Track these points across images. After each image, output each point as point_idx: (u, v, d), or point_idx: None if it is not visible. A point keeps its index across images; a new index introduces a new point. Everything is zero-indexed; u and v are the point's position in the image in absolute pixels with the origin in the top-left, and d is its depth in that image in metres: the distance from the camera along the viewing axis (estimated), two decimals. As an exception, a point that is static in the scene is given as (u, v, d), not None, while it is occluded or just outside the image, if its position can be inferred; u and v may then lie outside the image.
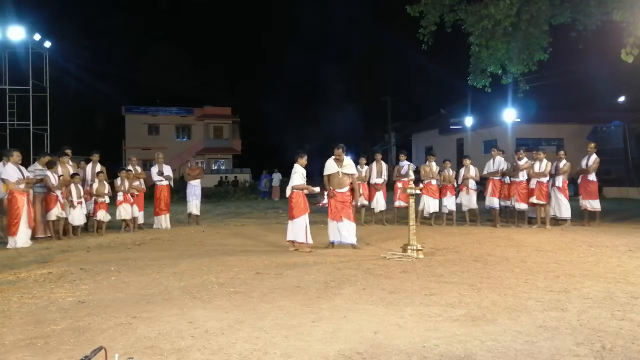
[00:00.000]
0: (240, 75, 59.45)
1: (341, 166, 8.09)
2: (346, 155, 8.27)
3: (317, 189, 8.35)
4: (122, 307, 4.49)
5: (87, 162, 10.90)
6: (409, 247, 7.15)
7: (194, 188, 11.81)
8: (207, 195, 25.66)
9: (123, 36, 52.32)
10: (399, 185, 11.45)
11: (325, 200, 17.10)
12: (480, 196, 11.82)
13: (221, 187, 31.47)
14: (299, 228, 7.93)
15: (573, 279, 5.52)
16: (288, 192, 8.15)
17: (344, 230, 8.01)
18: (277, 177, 25.51)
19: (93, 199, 10.27)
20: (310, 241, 7.96)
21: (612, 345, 3.39)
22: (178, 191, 12.43)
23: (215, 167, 44.70)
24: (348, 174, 8.13)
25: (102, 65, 45.76)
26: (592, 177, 11.06)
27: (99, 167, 10.64)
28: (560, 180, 10.83)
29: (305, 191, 8.18)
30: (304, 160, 8.24)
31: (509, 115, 25.33)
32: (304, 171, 8.16)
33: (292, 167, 8.26)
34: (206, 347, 3.42)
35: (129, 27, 59.75)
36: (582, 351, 3.28)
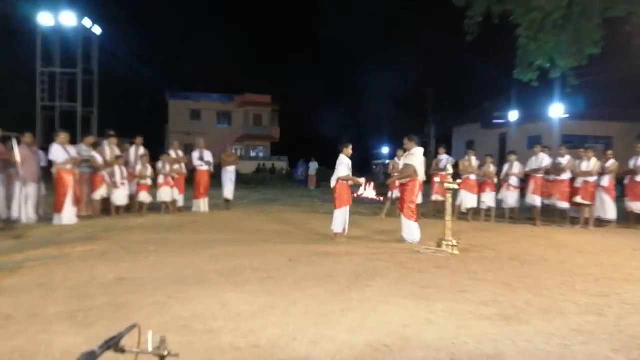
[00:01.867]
0: (282, 64, 59.75)
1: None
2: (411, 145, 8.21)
3: (362, 180, 8.34)
4: (159, 287, 4.64)
5: (132, 144, 11.23)
6: (444, 242, 7.06)
7: (230, 174, 12.01)
8: (245, 182, 26.06)
9: (170, 23, 53.39)
10: (436, 179, 11.29)
11: (361, 191, 17.07)
12: (522, 193, 11.52)
13: (259, 173, 31.85)
14: (338, 219, 7.96)
15: (614, 283, 5.33)
16: (333, 183, 8.15)
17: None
18: (313, 165, 25.60)
19: (136, 180, 10.59)
20: (346, 232, 7.98)
21: (651, 353, 3.28)
22: (217, 176, 12.65)
23: (254, 154, 45.21)
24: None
25: (148, 51, 46.85)
26: (640, 178, 10.59)
27: (142, 150, 10.95)
28: (607, 180, 10.43)
29: (351, 182, 8.18)
30: (349, 150, 8.21)
31: (556, 110, 24.49)
32: (349, 162, 8.15)
33: (330, 157, 8.28)
34: (237, 329, 3.51)
35: (176, 13, 60.88)
36: (618, 358, 3.18)
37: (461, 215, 11.34)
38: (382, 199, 13.54)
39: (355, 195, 19.01)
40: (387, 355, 3.12)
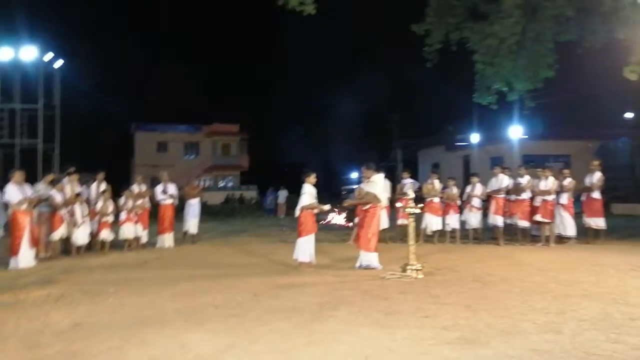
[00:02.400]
0: (249, 93, 59.98)
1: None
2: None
3: (327, 207, 8.36)
4: (117, 331, 4.51)
5: (93, 180, 11.00)
6: (409, 267, 7.11)
7: (193, 207, 11.88)
8: (214, 213, 25.74)
9: (134, 55, 53.14)
10: (398, 204, 11.43)
11: (329, 218, 17.05)
12: (485, 214, 11.76)
13: (228, 204, 31.57)
14: (304, 247, 7.94)
15: (571, 299, 5.46)
16: (297, 212, 8.15)
17: None
18: (282, 194, 25.57)
19: (97, 218, 10.35)
20: (313, 261, 7.96)
21: (604, 370, 3.35)
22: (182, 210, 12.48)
23: (223, 184, 44.86)
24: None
25: (113, 84, 46.41)
26: (596, 194, 10.96)
27: (103, 186, 10.74)
28: (565, 198, 10.75)
29: (316, 210, 8.19)
30: (312, 178, 8.23)
31: (515, 132, 25.32)
32: (313, 190, 8.17)
33: (298, 185, 8.29)
34: (194, 371, 3.43)
35: (140, 46, 60.72)
36: (573, 377, 3.24)
37: (427, 237, 11.47)
38: (350, 224, 13.59)
39: (324, 222, 19.00)
40: (346, 389, 3.10)
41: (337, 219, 18.32)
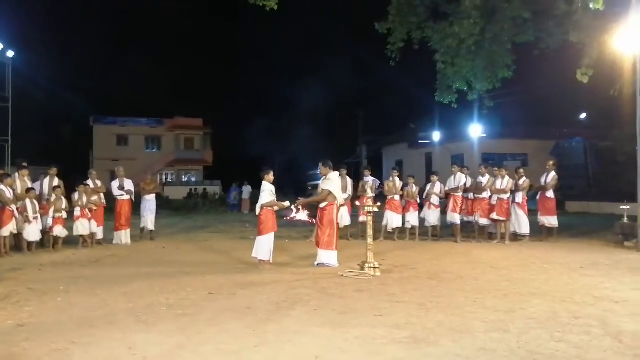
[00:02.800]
0: (213, 87, 59.18)
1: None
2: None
3: (286, 204, 8.30)
4: (63, 331, 4.37)
5: (45, 175, 10.63)
6: (367, 265, 7.17)
7: (149, 203, 11.63)
8: (176, 208, 25.33)
9: (92, 46, 51.60)
10: (357, 203, 11.51)
11: (294, 214, 16.96)
12: (443, 211, 11.97)
13: (190, 199, 31.08)
14: (264, 245, 7.88)
15: (521, 298, 5.62)
16: (258, 210, 8.08)
17: None
18: (247, 189, 25.30)
19: (50, 214, 10.00)
20: (270, 259, 7.91)
21: (546, 368, 3.46)
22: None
23: (186, 179, 44.16)
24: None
25: (70, 75, 44.91)
26: (550, 194, 11.32)
27: (56, 181, 10.39)
28: (520, 197, 11.05)
29: (276, 208, 8.14)
30: (270, 176, 8.18)
31: (475, 130, 25.88)
32: (272, 187, 8.11)
33: (260, 181, 8.21)
34: (140, 375, 3.35)
35: (99, 37, 58.96)
36: (516, 375, 3.33)
37: (388, 234, 11.60)
38: (314, 221, 13.58)
39: (287, 218, 18.94)
40: (293, 391, 3.09)
41: (301, 215, 18.30)
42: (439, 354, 3.75)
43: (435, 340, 4.08)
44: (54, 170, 10.48)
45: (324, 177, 8.23)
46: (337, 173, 8.30)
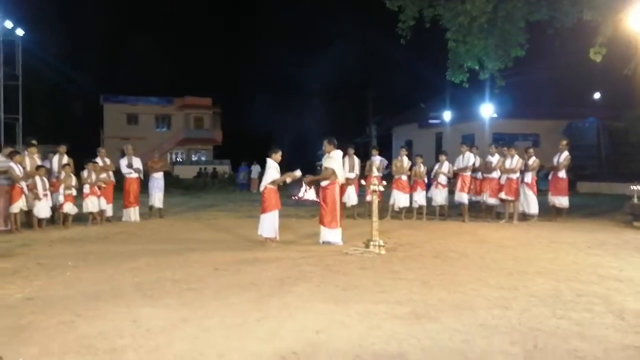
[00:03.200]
0: (223, 67, 58.86)
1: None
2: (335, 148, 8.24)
3: (298, 173, 8.26)
4: (70, 305, 4.45)
5: (55, 153, 10.72)
6: (372, 243, 7.19)
7: (157, 181, 11.68)
8: (186, 187, 25.52)
9: (103, 24, 51.42)
10: (363, 182, 11.47)
11: (301, 194, 16.98)
12: (451, 191, 11.93)
13: (200, 178, 31.27)
14: (268, 223, 7.92)
15: (526, 276, 5.61)
16: (262, 188, 8.11)
17: None
18: (255, 169, 25.38)
19: (60, 191, 10.11)
20: (277, 237, 7.96)
21: (545, 344, 3.47)
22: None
23: (196, 158, 44.35)
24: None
25: (81, 54, 44.93)
26: (562, 174, 11.19)
27: (65, 159, 10.48)
28: (529, 177, 10.96)
29: (289, 179, 8.14)
30: (278, 156, 8.15)
31: (486, 110, 25.58)
32: (277, 166, 8.10)
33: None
34: (142, 346, 3.41)
35: (110, 14, 58.67)
36: (514, 350, 3.35)
37: (395, 214, 11.60)
38: (321, 200, 13.54)
39: (296, 197, 18.98)
40: (292, 363, 3.14)
41: (309, 194, 18.34)
42: (438, 329, 3.76)
43: (435, 316, 4.10)
44: (63, 148, 10.58)
45: (327, 155, 8.19)
46: (340, 151, 8.25)
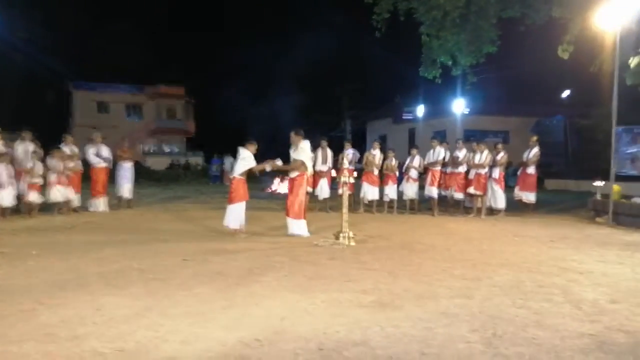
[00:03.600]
0: (196, 56, 58.00)
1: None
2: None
3: (279, 162, 8.21)
4: (32, 293, 4.37)
5: (21, 140, 10.40)
6: (341, 235, 7.25)
7: (126, 171, 11.51)
8: (157, 178, 25.20)
9: (73, 8, 50.05)
10: (334, 173, 11.53)
11: (275, 187, 16.96)
12: (421, 185, 12.09)
13: (172, 170, 30.88)
14: (234, 214, 7.87)
15: (489, 267, 5.75)
16: (232, 176, 8.05)
17: None
18: (228, 161, 25.16)
19: (25, 179, 9.85)
20: (243, 229, 7.91)
21: (504, 331, 3.57)
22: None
23: (168, 150, 43.67)
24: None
25: (49, 39, 43.62)
26: (531, 169, 11.44)
27: (31, 146, 10.21)
28: (497, 172, 11.17)
29: (268, 168, 8.09)
30: (253, 147, 8.06)
31: (458, 106, 25.94)
32: (250, 155, 8.02)
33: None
34: (105, 334, 3.38)
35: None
36: (474, 337, 3.43)
37: (367, 207, 11.70)
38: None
39: (269, 190, 18.92)
40: (255, 350, 3.15)
41: (282, 187, 18.30)
42: (401, 317, 3.84)
43: (400, 304, 4.17)
44: (27, 134, 10.30)
45: (295, 146, 8.19)
46: (307, 141, 8.27)
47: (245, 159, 7.95)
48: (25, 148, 10.12)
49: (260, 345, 3.22)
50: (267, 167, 8.11)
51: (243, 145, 8.09)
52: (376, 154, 11.77)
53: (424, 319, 3.79)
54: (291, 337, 3.37)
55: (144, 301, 4.18)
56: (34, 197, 9.89)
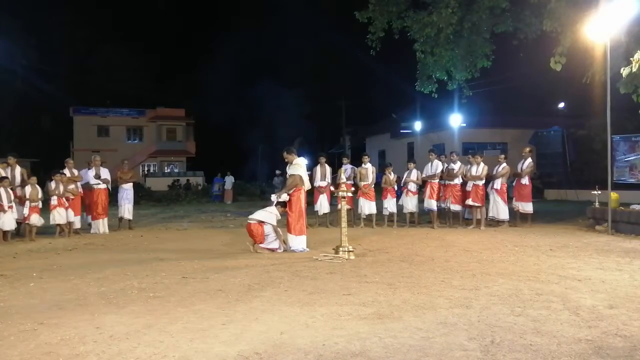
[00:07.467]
0: (195, 77, 58.55)
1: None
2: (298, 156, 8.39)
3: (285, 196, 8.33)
4: (32, 314, 4.39)
5: (7, 165, 10.45)
6: (341, 249, 7.28)
7: (126, 192, 11.57)
8: (158, 199, 25.20)
9: (72, 35, 50.65)
10: (332, 188, 11.60)
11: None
12: (420, 198, 12.13)
13: (173, 190, 30.89)
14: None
15: (488, 277, 5.77)
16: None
17: None
18: (229, 180, 25.29)
19: (26, 203, 9.91)
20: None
21: (502, 339, 3.58)
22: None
23: (168, 170, 43.82)
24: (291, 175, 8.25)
25: (49, 65, 44.09)
26: (525, 180, 11.50)
27: (18, 170, 10.32)
28: (498, 183, 11.21)
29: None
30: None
31: (455, 120, 26.09)
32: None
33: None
34: (105, 351, 3.40)
35: (79, 25, 57.88)
36: (472, 345, 3.45)
37: (367, 222, 11.74)
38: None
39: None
40: (255, 363, 3.18)
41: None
42: (400, 327, 3.85)
43: (398, 315, 4.19)
44: (12, 159, 10.42)
45: (290, 163, 8.29)
46: (302, 158, 8.40)
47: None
48: (12, 173, 10.20)
49: (260, 359, 3.24)
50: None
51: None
52: (368, 167, 11.84)
53: (423, 329, 3.81)
54: (290, 350, 3.39)
55: (144, 318, 4.20)
56: (34, 219, 9.94)
